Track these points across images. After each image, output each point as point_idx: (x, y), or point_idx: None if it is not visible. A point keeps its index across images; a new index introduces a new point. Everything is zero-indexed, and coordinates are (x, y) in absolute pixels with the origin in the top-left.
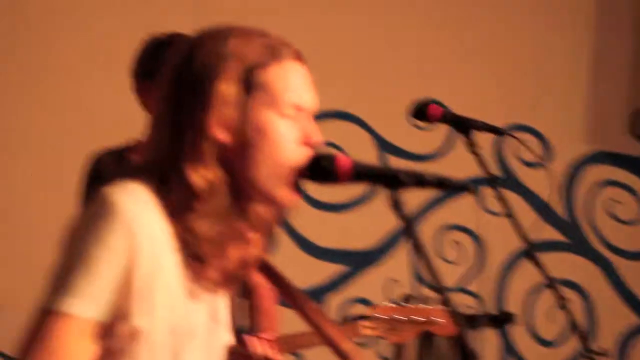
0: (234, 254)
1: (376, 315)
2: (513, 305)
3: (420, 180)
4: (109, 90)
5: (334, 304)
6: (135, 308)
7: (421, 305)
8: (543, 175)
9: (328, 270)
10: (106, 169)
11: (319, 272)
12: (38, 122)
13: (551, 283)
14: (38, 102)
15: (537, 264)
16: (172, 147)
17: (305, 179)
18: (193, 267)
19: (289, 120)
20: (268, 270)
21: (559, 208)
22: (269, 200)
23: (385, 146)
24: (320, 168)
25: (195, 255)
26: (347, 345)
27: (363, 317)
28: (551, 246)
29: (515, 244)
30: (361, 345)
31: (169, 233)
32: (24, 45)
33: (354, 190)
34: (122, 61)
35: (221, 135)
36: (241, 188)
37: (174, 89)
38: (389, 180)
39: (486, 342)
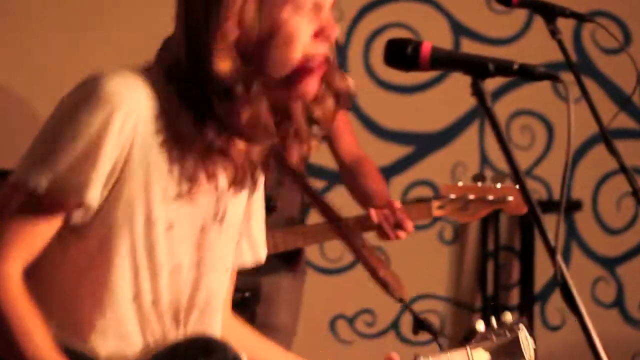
0: (240, 150)
1: (447, 194)
2: (581, 192)
3: (506, 69)
4: None
5: (399, 185)
6: (98, 190)
7: (492, 184)
8: (620, 64)
9: (394, 152)
10: None
11: (385, 154)
12: None
13: (625, 169)
14: None
15: (612, 149)
16: (187, 45)
17: (386, 64)
18: (189, 163)
19: (305, 16)
20: (305, 187)
21: (636, 97)
22: (285, 90)
23: (460, 29)
24: (401, 53)
25: (195, 151)
26: (385, 273)
27: (434, 197)
28: (626, 134)
29: (587, 132)
30: (422, 227)
31: (165, 128)
32: None
33: (422, 73)
34: None
35: (236, 32)
36: (258, 83)
37: None
38: (475, 68)
39: (551, 227)
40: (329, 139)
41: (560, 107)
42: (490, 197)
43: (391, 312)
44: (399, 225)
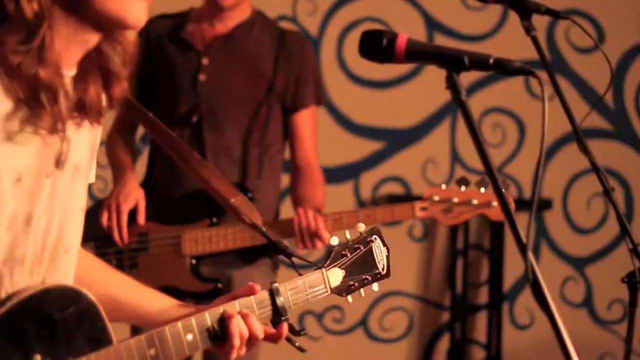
0: (70, 93)
1: (430, 196)
2: (551, 191)
3: (482, 63)
4: None
5: (370, 181)
6: None
7: (476, 188)
8: (593, 63)
9: (365, 147)
10: (154, 33)
11: (355, 149)
12: None
13: (597, 169)
14: None
15: (585, 148)
16: None
17: (360, 55)
18: (24, 109)
19: None
20: (148, 121)
21: (607, 96)
22: (120, 25)
23: (434, 25)
24: (376, 45)
25: (24, 97)
26: (236, 199)
27: (418, 198)
28: (597, 133)
29: (559, 131)
30: (392, 223)
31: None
32: None
33: (396, 68)
34: None
35: None
36: (87, 22)
37: None
38: (450, 61)
39: (522, 226)
40: (291, 139)
41: (532, 105)
42: (475, 202)
43: (360, 309)
44: (316, 235)
